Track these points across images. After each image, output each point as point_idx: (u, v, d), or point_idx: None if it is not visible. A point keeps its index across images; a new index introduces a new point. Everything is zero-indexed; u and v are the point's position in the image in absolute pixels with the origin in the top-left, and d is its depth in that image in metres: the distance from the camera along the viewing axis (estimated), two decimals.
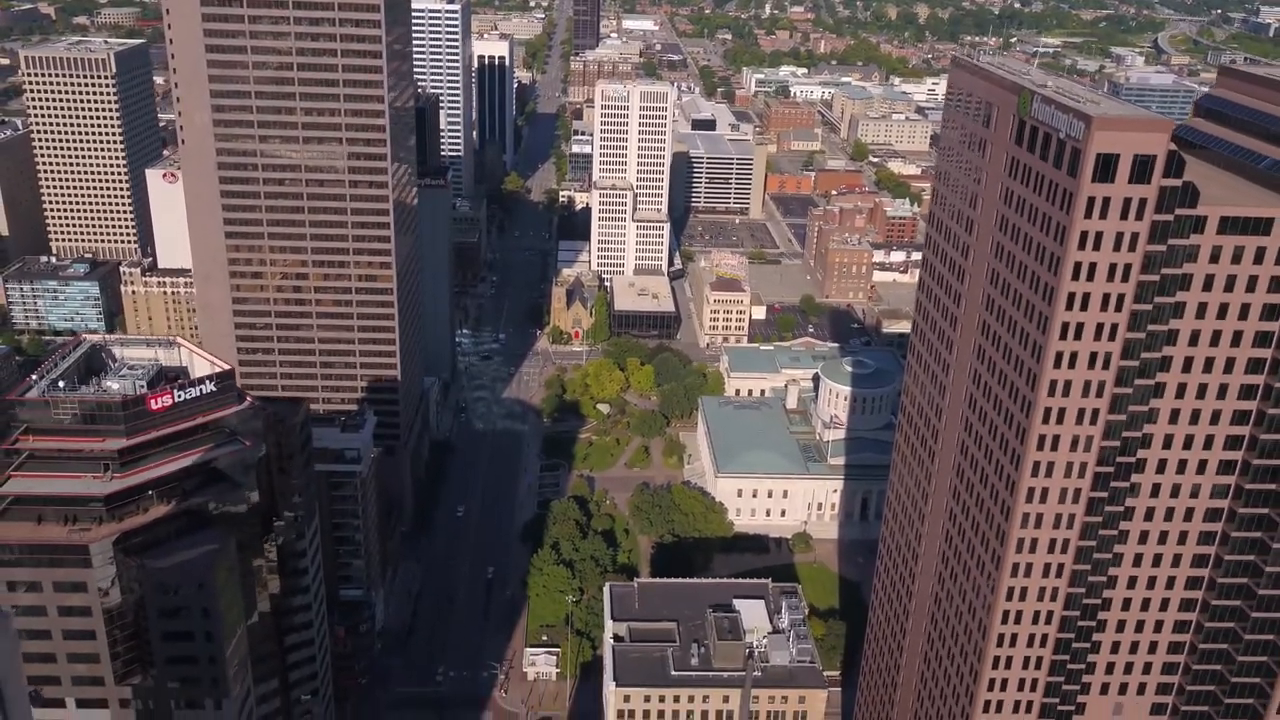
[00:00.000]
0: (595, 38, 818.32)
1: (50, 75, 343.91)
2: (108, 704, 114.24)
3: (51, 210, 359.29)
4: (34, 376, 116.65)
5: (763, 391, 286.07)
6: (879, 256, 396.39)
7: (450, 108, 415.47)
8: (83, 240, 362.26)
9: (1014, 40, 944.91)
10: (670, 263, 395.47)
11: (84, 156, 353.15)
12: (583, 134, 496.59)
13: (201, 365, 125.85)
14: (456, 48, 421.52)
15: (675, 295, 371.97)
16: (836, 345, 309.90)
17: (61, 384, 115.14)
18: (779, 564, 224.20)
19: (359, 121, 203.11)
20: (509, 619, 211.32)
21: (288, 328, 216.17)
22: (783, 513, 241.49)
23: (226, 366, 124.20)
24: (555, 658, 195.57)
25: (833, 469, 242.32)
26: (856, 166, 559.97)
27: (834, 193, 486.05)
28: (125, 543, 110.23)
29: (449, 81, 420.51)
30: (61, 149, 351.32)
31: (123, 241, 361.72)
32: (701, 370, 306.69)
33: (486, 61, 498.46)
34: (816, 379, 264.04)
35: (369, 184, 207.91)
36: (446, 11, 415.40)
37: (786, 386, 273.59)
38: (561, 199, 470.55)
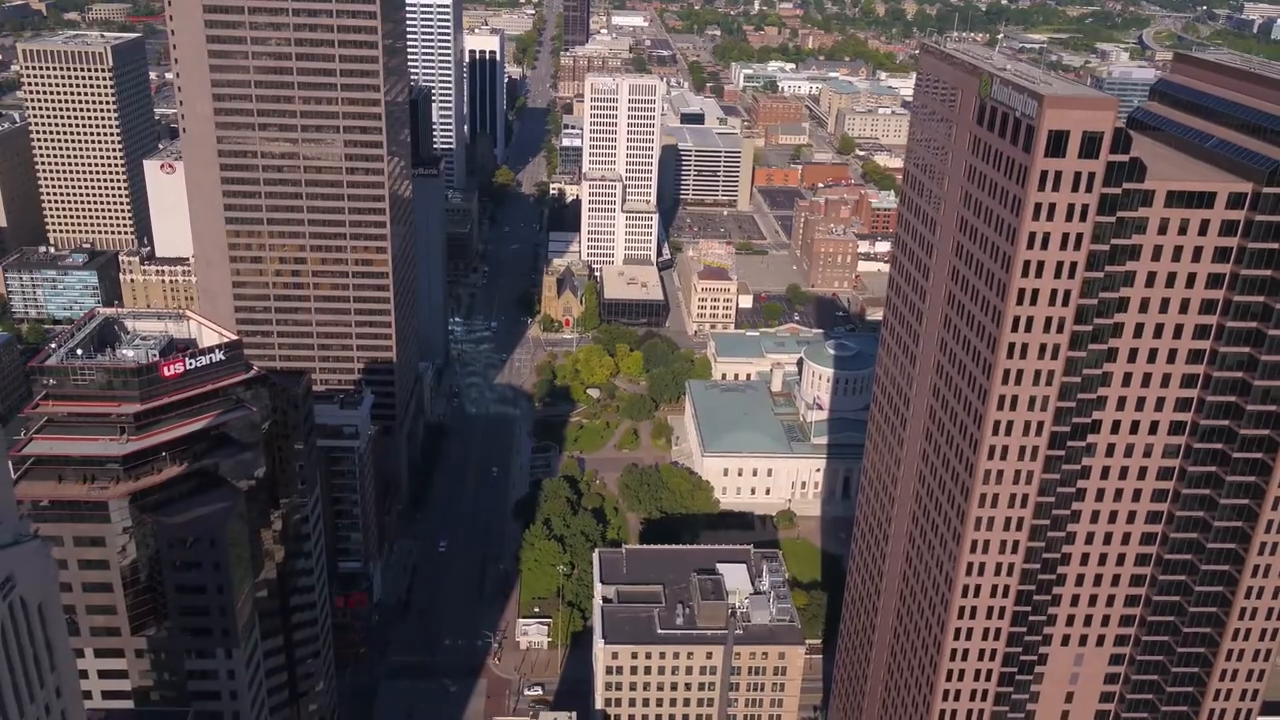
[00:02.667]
0: (585, 33, 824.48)
1: (48, 68, 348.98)
2: (123, 653, 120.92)
3: (49, 201, 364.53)
4: (53, 345, 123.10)
5: (749, 375, 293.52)
6: (864, 247, 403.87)
7: (442, 101, 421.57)
8: (80, 231, 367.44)
9: (1000, 36, 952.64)
10: (659, 253, 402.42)
11: (81, 148, 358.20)
12: (573, 128, 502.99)
13: (210, 336, 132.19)
14: (448, 41, 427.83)
15: (664, 284, 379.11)
16: (821, 331, 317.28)
17: (80, 352, 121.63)
18: (764, 539, 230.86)
19: (356, 110, 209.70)
20: (502, 592, 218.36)
21: (286, 311, 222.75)
22: (767, 491, 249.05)
23: (234, 337, 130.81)
24: (547, 628, 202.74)
25: (816, 448, 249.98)
26: (843, 160, 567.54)
27: (821, 185, 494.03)
28: (141, 500, 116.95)
29: (441, 75, 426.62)
30: (59, 141, 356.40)
31: (119, 232, 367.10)
32: (689, 356, 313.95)
33: (477, 56, 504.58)
34: (800, 362, 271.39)
35: (365, 171, 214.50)
36: (438, 6, 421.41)
37: (772, 370, 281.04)
38: (552, 191, 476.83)
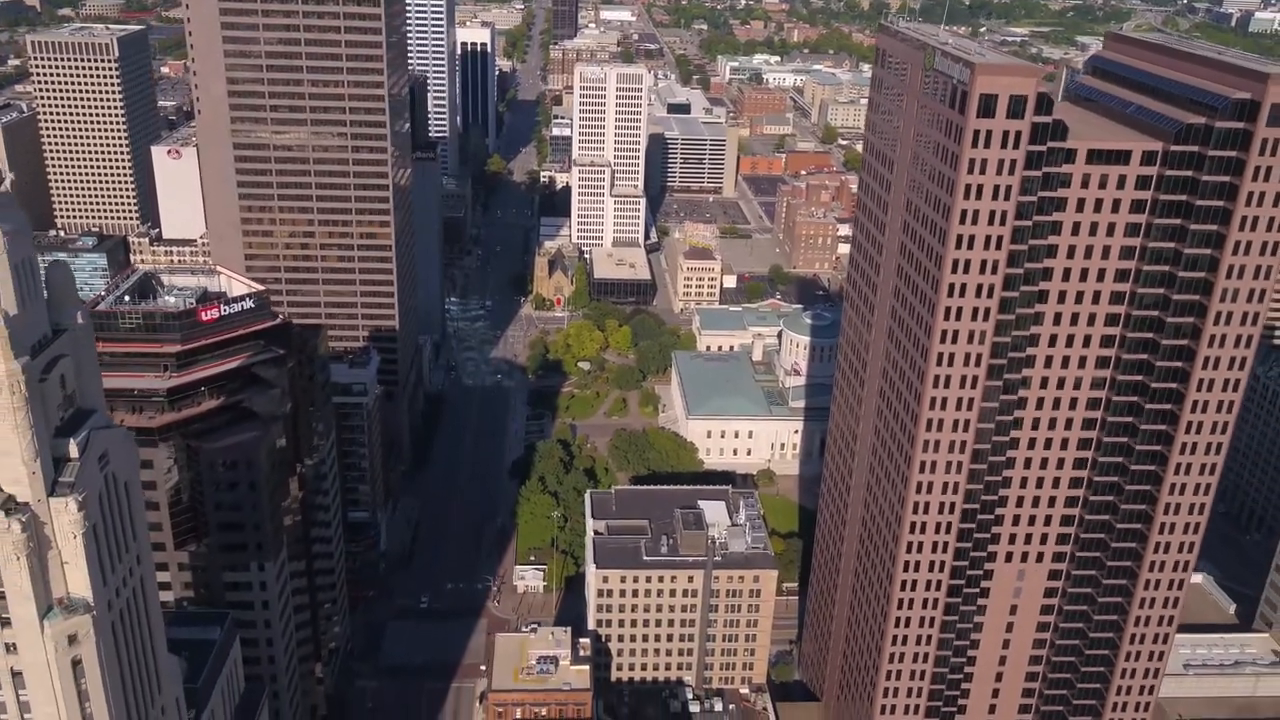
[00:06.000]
0: (574, 27, 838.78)
1: (56, 59, 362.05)
2: (168, 567, 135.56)
3: (57, 188, 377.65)
4: (101, 293, 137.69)
5: (731, 347, 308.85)
6: (844, 230, 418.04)
7: (436, 91, 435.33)
8: (87, 216, 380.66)
9: (983, 29, 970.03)
10: (646, 236, 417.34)
11: (88, 136, 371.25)
12: (562, 118, 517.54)
13: (239, 289, 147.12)
14: (442, 32, 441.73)
15: (651, 266, 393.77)
16: (801, 307, 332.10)
17: (126, 299, 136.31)
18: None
19: (361, 92, 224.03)
20: (500, 544, 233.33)
21: (296, 282, 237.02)
22: (748, 452, 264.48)
23: (262, 288, 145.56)
24: (542, 573, 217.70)
25: (794, 412, 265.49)
26: (826, 149, 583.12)
27: (803, 172, 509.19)
28: (183, 429, 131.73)
29: (435, 65, 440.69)
30: (67, 129, 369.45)
31: (125, 216, 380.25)
32: (675, 330, 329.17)
33: (469, 48, 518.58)
34: (780, 332, 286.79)
35: (369, 149, 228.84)
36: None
37: (753, 341, 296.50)
38: (543, 179, 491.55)
